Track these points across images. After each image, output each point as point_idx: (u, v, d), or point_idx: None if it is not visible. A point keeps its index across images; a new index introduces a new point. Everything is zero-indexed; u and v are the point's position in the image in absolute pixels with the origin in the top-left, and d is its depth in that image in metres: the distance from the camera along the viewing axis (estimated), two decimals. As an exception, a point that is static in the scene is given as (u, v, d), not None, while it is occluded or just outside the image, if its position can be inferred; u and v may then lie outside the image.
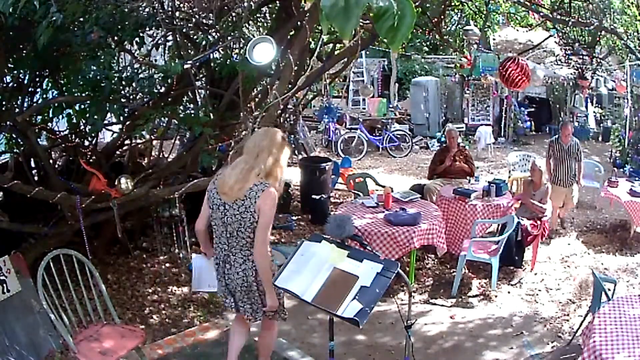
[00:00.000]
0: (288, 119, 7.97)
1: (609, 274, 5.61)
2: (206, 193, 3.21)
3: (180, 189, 4.57)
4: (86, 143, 5.63)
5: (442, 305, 5.19)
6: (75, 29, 4.36)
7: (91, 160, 5.45)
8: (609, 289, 4.05)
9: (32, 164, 5.64)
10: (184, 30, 5.27)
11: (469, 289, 5.46)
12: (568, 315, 4.91)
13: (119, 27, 4.49)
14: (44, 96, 4.99)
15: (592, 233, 6.93)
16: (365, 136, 11.53)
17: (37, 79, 5.12)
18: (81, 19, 4.29)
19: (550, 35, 9.90)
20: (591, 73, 12.55)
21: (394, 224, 5.18)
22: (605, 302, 3.81)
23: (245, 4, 4.59)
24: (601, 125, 12.51)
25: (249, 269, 3.12)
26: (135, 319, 4.69)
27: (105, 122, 5.30)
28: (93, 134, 5.66)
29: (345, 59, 6.88)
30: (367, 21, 4.94)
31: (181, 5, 5.16)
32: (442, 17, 8.17)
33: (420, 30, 8.79)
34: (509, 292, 5.38)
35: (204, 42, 5.04)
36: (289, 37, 5.28)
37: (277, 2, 5.75)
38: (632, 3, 7.44)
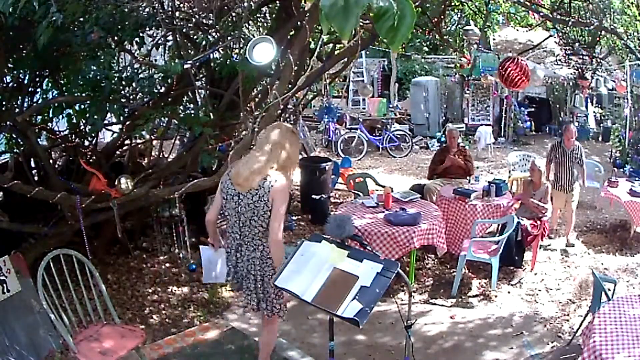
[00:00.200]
0: (288, 119, 7.96)
1: (609, 274, 5.61)
2: (219, 184, 3.31)
3: (180, 189, 4.57)
4: (86, 143, 5.63)
5: (442, 305, 5.19)
6: (75, 29, 4.36)
7: (91, 160, 5.45)
8: (609, 289, 4.05)
9: (32, 164, 5.64)
10: (184, 30, 5.27)
11: (469, 289, 5.46)
12: (568, 315, 4.91)
13: (119, 27, 4.49)
14: (44, 96, 4.99)
15: (592, 233, 6.93)
16: (365, 136, 11.53)
17: (37, 79, 5.12)
18: (81, 19, 4.29)
19: (550, 35, 9.92)
20: (591, 73, 12.55)
21: (394, 224, 5.18)
22: (605, 302, 3.81)
23: (245, 4, 4.59)
24: (601, 125, 12.51)
25: (256, 257, 3.22)
26: (135, 319, 4.69)
27: (105, 122, 5.30)
28: (93, 134, 5.66)
29: (345, 59, 6.87)
30: (367, 21, 4.94)
31: (181, 5, 5.16)
32: (442, 17, 8.18)
33: (420, 30, 8.79)
34: (509, 292, 5.38)
35: (204, 42, 5.04)
36: (289, 37, 5.28)
37: (277, 2, 5.75)
38: (632, 3, 7.45)
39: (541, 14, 6.93)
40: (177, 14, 5.12)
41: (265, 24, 6.64)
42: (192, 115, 5.50)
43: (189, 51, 5.52)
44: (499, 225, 5.89)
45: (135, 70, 5.12)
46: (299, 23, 4.94)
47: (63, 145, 5.66)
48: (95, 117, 4.62)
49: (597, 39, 11.32)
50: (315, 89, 9.06)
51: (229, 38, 4.73)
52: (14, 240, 4.94)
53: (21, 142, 5.31)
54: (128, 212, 5.37)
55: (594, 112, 12.86)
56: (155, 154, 6.53)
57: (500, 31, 12.61)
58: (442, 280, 5.69)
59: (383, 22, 1.67)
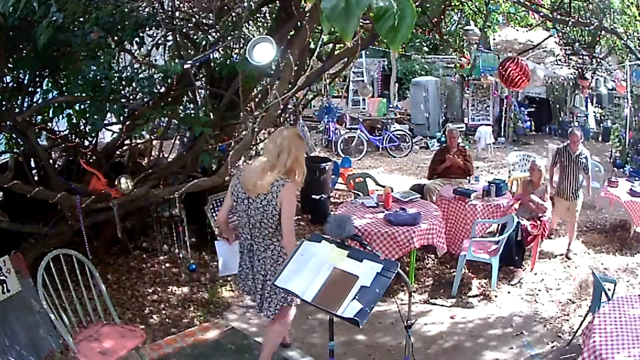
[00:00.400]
0: (288, 119, 7.96)
1: (609, 274, 5.61)
2: (229, 187, 3.48)
3: (180, 189, 4.57)
4: (86, 143, 5.63)
5: (442, 305, 5.19)
6: (75, 29, 4.36)
7: (91, 160, 5.45)
8: (609, 289, 4.05)
9: (32, 164, 5.64)
10: (184, 30, 5.27)
11: (469, 289, 5.46)
12: (568, 315, 4.91)
13: (119, 27, 4.49)
14: (44, 96, 4.99)
15: (592, 233, 6.93)
16: (365, 136, 11.53)
17: (37, 79, 5.12)
18: (81, 19, 4.30)
19: (550, 35, 9.91)
20: (591, 73, 12.54)
21: (394, 224, 5.18)
22: (605, 302, 3.81)
23: (245, 4, 4.59)
24: (601, 125, 12.51)
25: (267, 257, 3.38)
26: (135, 319, 4.69)
27: (105, 122, 5.29)
28: (93, 134, 5.65)
29: (345, 59, 6.87)
30: (367, 21, 4.94)
31: (181, 5, 5.16)
32: (442, 17, 8.18)
33: (420, 30, 8.80)
34: (509, 292, 5.38)
35: (204, 42, 5.04)
36: (289, 37, 5.28)
37: (277, 2, 5.75)
38: (632, 3, 7.45)
39: (541, 14, 6.93)
40: (177, 14, 5.12)
41: (265, 24, 6.64)
42: (192, 115, 5.50)
43: (189, 51, 5.52)
44: (499, 225, 5.89)
45: (135, 70, 5.12)
46: (299, 23, 4.94)
47: (63, 145, 5.65)
48: (95, 117, 4.62)
49: (597, 39, 11.32)
50: (315, 89, 9.05)
51: (229, 38, 4.73)
52: (14, 240, 4.94)
53: (21, 142, 5.30)
54: (128, 212, 5.37)
55: (594, 112, 12.86)
56: (155, 154, 6.53)
57: (500, 31, 12.61)
58: (442, 280, 5.69)
59: (383, 22, 1.67)
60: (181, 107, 5.79)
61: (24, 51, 4.66)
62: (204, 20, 5.04)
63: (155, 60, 6.24)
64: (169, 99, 5.45)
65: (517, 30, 12.24)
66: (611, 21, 7.66)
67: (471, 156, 7.30)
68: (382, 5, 1.66)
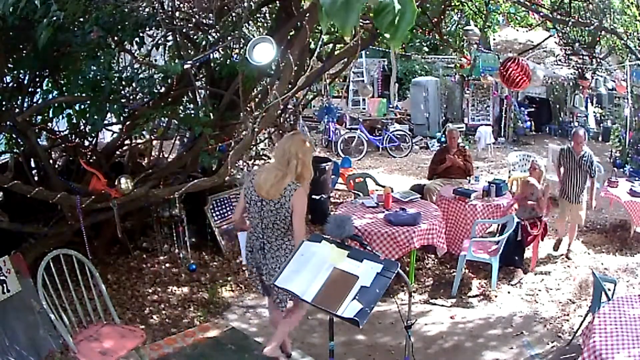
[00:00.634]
0: (288, 119, 7.95)
1: (609, 274, 5.61)
2: (243, 190, 3.69)
3: (180, 189, 4.57)
4: (86, 143, 5.63)
5: (442, 305, 5.19)
6: (75, 29, 4.36)
7: (91, 160, 5.45)
8: (609, 289, 4.05)
9: (32, 164, 5.64)
10: (184, 30, 5.27)
11: (469, 289, 5.46)
12: (568, 315, 4.91)
13: (119, 27, 4.49)
14: (44, 96, 4.99)
15: (592, 233, 6.92)
16: (365, 136, 11.53)
17: (37, 79, 5.12)
18: (81, 19, 4.29)
19: (550, 35, 9.90)
20: (591, 73, 12.54)
21: (394, 224, 5.18)
22: (605, 302, 3.81)
23: (245, 4, 4.59)
24: (601, 125, 12.51)
25: (281, 256, 3.54)
26: (135, 319, 4.69)
27: (105, 122, 5.30)
28: (93, 134, 5.66)
29: (345, 59, 6.87)
30: (367, 21, 4.94)
31: (181, 5, 5.16)
32: (442, 17, 8.17)
33: (420, 30, 8.77)
34: (509, 292, 5.38)
35: (204, 42, 5.04)
36: (289, 37, 5.28)
37: (277, 2, 5.75)
38: (632, 3, 7.43)
39: (541, 14, 6.93)
40: (177, 14, 5.12)
41: (265, 24, 6.64)
42: (192, 115, 5.50)
43: (189, 51, 5.52)
44: (499, 225, 5.89)
45: (135, 70, 5.12)
46: (299, 23, 4.95)
47: (63, 145, 5.65)
48: (95, 117, 4.62)
49: (597, 39, 11.31)
50: (315, 89, 9.06)
51: (229, 38, 4.73)
52: (14, 240, 4.94)
53: (21, 142, 5.30)
54: (128, 212, 5.37)
55: (594, 112, 12.85)
56: (155, 154, 6.53)
57: (500, 31, 12.59)
58: (442, 280, 5.69)
59: (383, 17, 1.66)
60: (181, 107, 5.79)
61: (24, 51, 4.66)
62: (204, 20, 5.04)
63: (155, 60, 6.24)
64: (169, 99, 5.45)
65: (517, 30, 12.21)
66: (611, 21, 7.65)
67: (471, 156, 7.30)
68: (382, 1, 1.65)
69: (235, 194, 6.44)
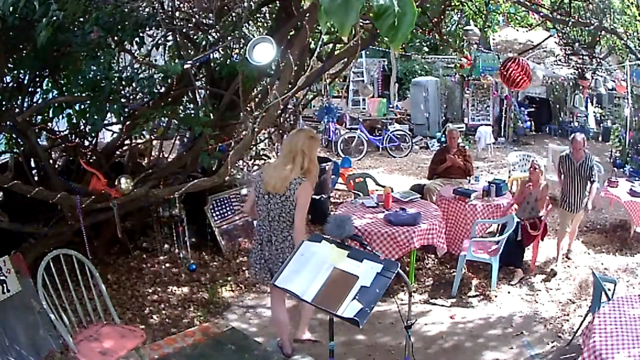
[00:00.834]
0: (288, 119, 7.96)
1: (609, 274, 5.61)
2: (253, 184, 3.91)
3: (180, 189, 4.57)
4: (86, 143, 5.63)
5: (442, 305, 5.19)
6: (75, 29, 4.35)
7: (91, 160, 5.45)
8: (609, 289, 4.05)
9: (32, 164, 5.64)
10: (184, 30, 5.27)
11: (469, 289, 5.46)
12: (568, 315, 4.91)
13: (119, 27, 4.48)
14: (44, 96, 4.99)
15: (592, 233, 6.92)
16: (365, 136, 11.53)
17: (37, 79, 5.12)
18: (81, 19, 4.29)
19: (550, 35, 9.89)
20: (591, 73, 12.54)
21: (394, 224, 5.18)
22: (605, 302, 3.81)
23: (245, 4, 4.58)
24: (601, 125, 12.51)
25: (286, 247, 3.72)
26: (135, 319, 4.69)
27: (105, 122, 5.30)
28: (93, 134, 5.65)
29: (345, 59, 6.87)
30: (367, 21, 4.94)
31: (181, 5, 5.16)
32: (442, 17, 8.16)
33: (420, 30, 8.77)
34: (509, 292, 5.38)
35: (204, 42, 5.04)
36: (289, 37, 5.28)
37: (277, 2, 5.75)
38: (632, 3, 7.43)
39: (541, 14, 6.92)
40: (177, 14, 5.12)
41: (265, 24, 6.64)
42: (192, 115, 5.50)
43: (189, 51, 5.52)
44: (499, 225, 5.89)
45: (135, 70, 5.12)
46: (299, 23, 4.94)
47: (63, 145, 5.65)
48: (95, 117, 4.62)
49: (597, 39, 11.30)
50: (315, 89, 9.06)
51: (229, 38, 4.73)
52: (14, 240, 4.94)
53: (21, 142, 5.30)
54: (128, 212, 5.37)
55: (594, 112, 12.85)
56: (155, 154, 6.53)
57: (500, 31, 12.58)
58: (442, 280, 5.69)
59: (383, 20, 1.66)
60: (181, 107, 5.79)
61: (24, 51, 4.66)
62: (204, 20, 5.04)
63: (155, 60, 6.24)
64: (169, 99, 5.45)
65: (517, 30, 12.21)
66: (611, 21, 7.64)
67: (471, 156, 7.29)
68: (383, 4, 1.65)
69: (235, 194, 6.45)
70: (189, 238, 5.77)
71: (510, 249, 5.41)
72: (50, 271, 3.44)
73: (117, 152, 6.21)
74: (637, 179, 7.40)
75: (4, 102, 4.85)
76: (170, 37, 5.43)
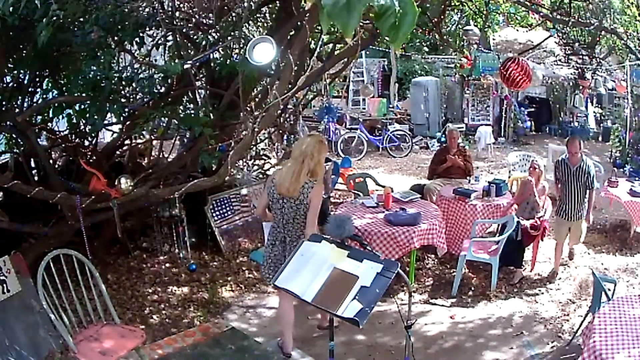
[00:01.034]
0: (288, 119, 7.96)
1: (609, 274, 5.61)
2: (265, 188, 4.07)
3: (180, 189, 4.57)
4: (86, 143, 5.63)
5: (442, 305, 5.19)
6: (75, 29, 4.35)
7: (91, 160, 5.45)
8: (609, 289, 4.05)
9: (32, 164, 5.64)
10: (184, 30, 5.26)
11: (469, 289, 5.46)
12: (568, 315, 4.91)
13: (119, 27, 4.48)
14: (44, 96, 4.99)
15: (592, 233, 6.91)
16: (365, 136, 11.52)
17: (37, 79, 5.12)
18: (81, 19, 4.29)
19: (550, 35, 9.89)
20: (591, 73, 12.54)
21: (394, 224, 5.18)
22: (605, 302, 3.81)
23: (245, 4, 4.59)
24: (601, 125, 12.51)
25: None
26: (135, 319, 4.69)
27: (105, 122, 5.30)
28: (93, 134, 5.66)
29: (345, 59, 6.87)
30: (367, 21, 4.94)
31: (181, 5, 5.15)
32: (442, 17, 8.17)
33: (420, 30, 8.77)
34: (509, 292, 5.37)
35: (204, 42, 5.04)
36: (289, 37, 5.28)
37: (277, 2, 5.75)
38: (632, 3, 7.43)
39: (541, 14, 6.92)
40: (177, 14, 5.12)
41: (265, 24, 6.64)
42: (192, 115, 5.51)
43: (189, 51, 5.52)
44: (499, 225, 5.88)
45: (135, 70, 5.12)
46: (299, 23, 4.94)
47: (63, 145, 5.66)
48: (95, 117, 4.62)
49: (597, 39, 11.31)
50: (315, 89, 9.05)
51: (229, 38, 4.73)
52: (14, 240, 4.94)
53: (21, 142, 5.31)
54: (128, 212, 5.37)
55: (594, 112, 12.85)
56: (155, 154, 6.53)
57: (500, 31, 12.58)
58: (442, 280, 5.69)
59: (384, 20, 1.66)
60: (181, 107, 5.80)
61: (24, 51, 4.66)
62: (204, 20, 5.04)
63: (155, 60, 6.24)
64: (169, 99, 5.46)
65: (517, 30, 12.21)
66: (611, 21, 7.64)
67: (471, 156, 7.29)
68: (384, 4, 1.66)
69: (235, 194, 6.45)
70: (189, 238, 5.77)
71: (510, 249, 5.41)
72: (50, 271, 3.44)
73: (117, 152, 6.21)
74: (637, 179, 7.40)
75: (4, 102, 4.85)
76: (170, 37, 5.43)
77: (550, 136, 12.98)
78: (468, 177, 6.78)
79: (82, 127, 5.39)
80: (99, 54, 4.54)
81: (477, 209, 5.91)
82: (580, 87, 12.60)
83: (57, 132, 5.60)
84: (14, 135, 5.27)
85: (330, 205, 7.51)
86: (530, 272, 5.75)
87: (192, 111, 5.71)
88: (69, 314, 3.46)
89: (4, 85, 4.88)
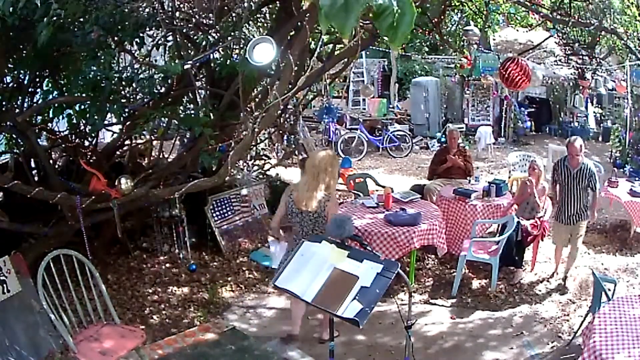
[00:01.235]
0: (288, 119, 7.95)
1: (609, 274, 5.61)
2: (283, 201, 4.19)
3: (180, 189, 4.57)
4: (86, 143, 5.63)
5: (442, 306, 5.19)
6: (75, 29, 4.35)
7: (91, 161, 5.45)
8: (609, 289, 4.05)
9: (32, 164, 5.64)
10: (184, 30, 5.26)
11: (469, 289, 5.46)
12: (568, 315, 4.91)
13: (119, 27, 4.48)
14: (44, 96, 4.99)
15: (592, 233, 6.91)
16: (365, 136, 11.53)
17: (37, 79, 5.12)
18: (81, 19, 4.29)
19: (551, 36, 9.90)
20: (591, 73, 12.54)
21: (394, 224, 5.18)
22: (605, 302, 3.81)
23: (245, 4, 4.59)
24: (601, 125, 12.51)
25: None
26: (136, 319, 4.69)
27: (105, 122, 5.30)
28: (93, 134, 5.66)
29: (345, 60, 6.87)
30: (367, 21, 4.94)
31: (181, 5, 5.16)
32: (442, 17, 8.16)
33: (420, 31, 8.77)
34: (509, 292, 5.37)
35: (204, 43, 5.04)
36: (289, 37, 5.28)
37: (277, 2, 5.75)
38: (632, 3, 7.43)
39: (541, 14, 6.92)
40: (177, 14, 5.12)
41: (265, 24, 6.64)
42: (192, 115, 5.50)
43: (189, 51, 5.52)
44: (499, 225, 5.88)
45: (135, 71, 5.12)
46: (299, 23, 4.94)
47: (63, 145, 5.66)
48: (95, 117, 4.62)
49: (597, 39, 11.31)
50: (315, 90, 9.05)
51: (229, 38, 4.73)
52: (14, 240, 4.94)
53: (21, 142, 5.31)
54: (128, 212, 5.37)
55: (594, 112, 12.85)
56: (155, 154, 6.53)
57: (500, 31, 12.60)
58: (442, 280, 5.69)
59: (383, 19, 1.67)
60: (181, 108, 5.80)
61: (24, 51, 4.66)
62: (204, 21, 5.04)
63: (156, 60, 6.23)
64: (169, 99, 5.45)
65: (517, 30, 12.24)
66: (611, 21, 7.63)
67: (471, 156, 7.29)
68: (382, 4, 1.66)
69: (236, 194, 6.45)
70: (189, 238, 5.77)
71: (510, 249, 5.41)
72: (51, 271, 3.44)
73: (117, 152, 6.21)
74: (637, 179, 7.40)
75: (4, 102, 4.85)
76: (170, 38, 5.42)
77: (550, 136, 12.98)
78: (468, 178, 6.78)
79: (82, 127, 5.39)
80: (99, 54, 4.54)
81: (477, 209, 5.91)
82: (580, 87, 12.60)
83: (57, 133, 5.60)
84: (14, 136, 5.27)
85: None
86: (530, 272, 5.75)
87: (192, 111, 5.71)
88: (69, 314, 3.46)
89: (4, 85, 4.88)
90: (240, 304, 5.18)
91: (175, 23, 5.06)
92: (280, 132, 7.98)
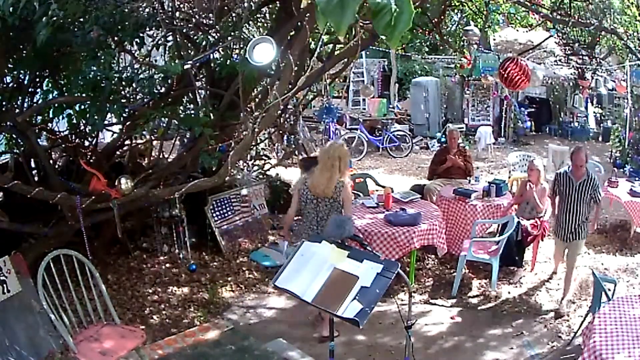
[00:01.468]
0: (288, 120, 7.95)
1: (609, 274, 5.60)
2: (297, 192, 4.47)
3: (180, 189, 4.57)
4: (86, 143, 5.63)
5: (442, 306, 5.19)
6: (75, 29, 4.36)
7: (91, 161, 5.45)
8: (609, 289, 4.05)
9: (32, 164, 5.64)
10: (184, 30, 5.26)
11: (469, 289, 5.46)
12: (568, 315, 4.90)
13: (119, 27, 4.48)
14: (44, 96, 4.99)
15: (592, 233, 6.90)
16: (365, 136, 11.53)
17: (37, 79, 5.12)
18: (81, 19, 4.29)
19: (551, 36, 9.90)
20: (591, 73, 12.54)
21: (394, 224, 5.18)
22: (605, 302, 3.81)
23: (245, 4, 4.59)
24: (601, 125, 12.51)
25: None
26: (136, 319, 4.69)
27: (105, 122, 5.29)
28: (93, 134, 5.66)
29: (346, 60, 6.86)
30: (367, 22, 4.94)
31: (181, 5, 5.16)
32: (442, 17, 8.17)
33: (420, 31, 8.77)
34: (509, 292, 5.37)
35: (204, 43, 5.04)
36: (289, 37, 5.28)
37: (277, 2, 5.75)
38: (632, 3, 7.44)
39: (541, 14, 6.92)
40: (177, 14, 5.12)
41: (265, 24, 6.64)
42: (192, 115, 5.50)
43: (189, 51, 5.52)
44: (499, 225, 5.88)
45: (135, 71, 5.12)
46: (299, 23, 4.94)
47: (63, 145, 5.65)
48: (95, 117, 4.62)
49: (597, 39, 11.31)
50: (315, 90, 9.05)
51: (229, 38, 4.73)
52: (14, 240, 4.94)
53: (21, 142, 5.30)
54: (128, 212, 5.37)
55: (594, 112, 12.85)
56: (155, 154, 6.53)
57: (500, 31, 12.59)
58: (442, 280, 5.69)
59: (380, 18, 1.66)
60: (181, 108, 5.79)
61: (24, 51, 4.66)
62: (204, 21, 5.04)
63: (156, 60, 6.23)
64: (169, 100, 5.45)
65: (517, 30, 12.22)
66: (611, 21, 7.64)
67: (471, 156, 7.29)
68: (379, 2, 1.66)
69: (236, 194, 6.45)
70: (189, 238, 5.77)
71: (510, 249, 5.41)
72: (51, 271, 3.44)
73: (117, 153, 6.20)
74: (637, 179, 7.40)
75: (4, 102, 4.85)
76: (170, 38, 5.43)
77: (550, 136, 12.98)
78: (468, 178, 6.78)
79: (82, 127, 5.39)
80: (99, 54, 4.54)
81: (477, 209, 5.91)
82: (580, 87, 12.61)
83: (57, 133, 5.60)
84: (14, 136, 5.26)
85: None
86: (530, 272, 5.75)
87: (192, 111, 5.70)
88: (69, 314, 3.46)
89: (4, 85, 4.88)
90: (240, 304, 5.18)
91: (175, 23, 5.07)
92: (280, 132, 7.99)
